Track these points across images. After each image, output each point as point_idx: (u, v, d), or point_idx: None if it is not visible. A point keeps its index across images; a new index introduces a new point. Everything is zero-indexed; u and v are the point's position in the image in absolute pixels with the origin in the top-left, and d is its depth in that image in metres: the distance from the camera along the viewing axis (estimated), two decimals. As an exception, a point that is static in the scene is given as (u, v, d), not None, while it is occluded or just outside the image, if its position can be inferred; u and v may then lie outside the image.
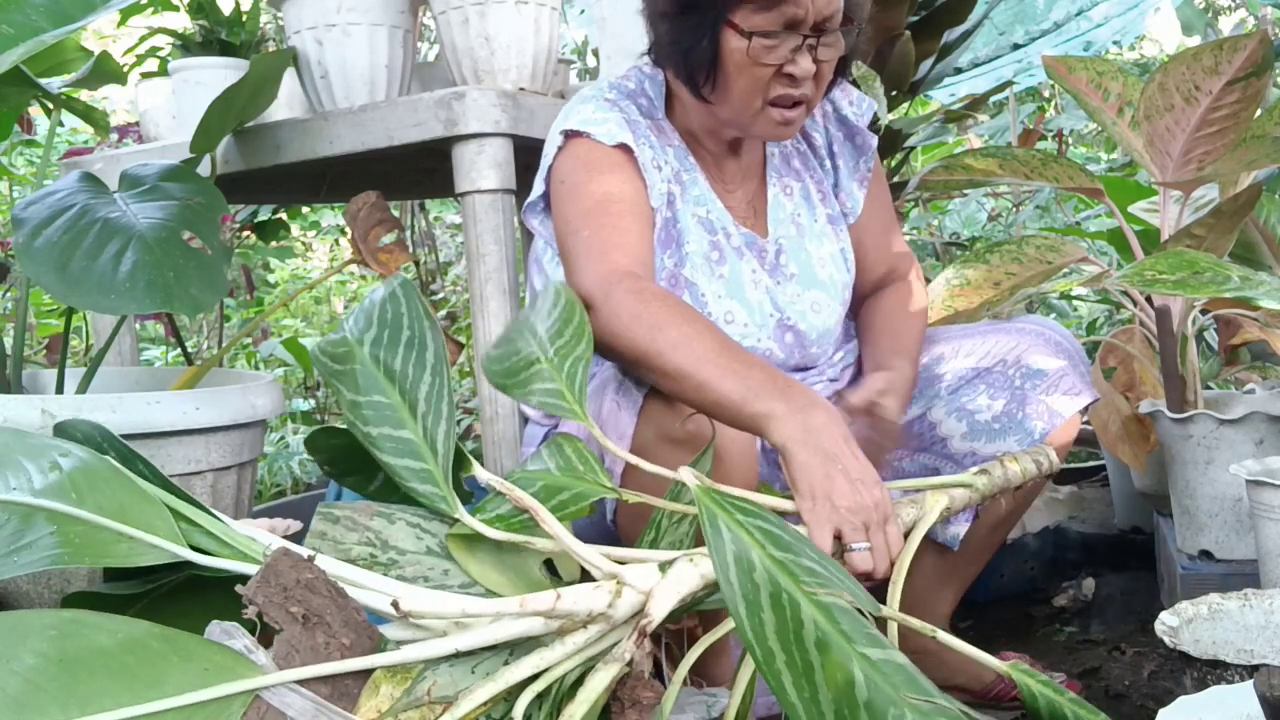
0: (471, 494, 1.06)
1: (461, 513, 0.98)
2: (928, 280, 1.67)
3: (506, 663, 0.88)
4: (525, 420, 1.54)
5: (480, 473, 1.02)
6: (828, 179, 1.51)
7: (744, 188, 1.46)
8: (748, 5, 1.24)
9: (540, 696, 0.87)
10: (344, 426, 1.07)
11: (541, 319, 1.19)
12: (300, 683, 0.81)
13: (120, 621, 0.80)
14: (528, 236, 2.49)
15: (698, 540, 1.07)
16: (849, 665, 0.70)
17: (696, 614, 1.02)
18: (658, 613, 0.89)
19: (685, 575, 0.92)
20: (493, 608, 0.88)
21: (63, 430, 1.06)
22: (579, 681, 0.88)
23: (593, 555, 0.92)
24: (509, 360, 1.17)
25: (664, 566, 0.92)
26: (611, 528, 1.30)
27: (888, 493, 1.07)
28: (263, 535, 0.95)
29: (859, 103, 1.52)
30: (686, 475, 0.96)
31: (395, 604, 0.86)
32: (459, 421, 3.29)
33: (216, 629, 0.82)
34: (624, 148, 1.33)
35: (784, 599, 0.74)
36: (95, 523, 0.88)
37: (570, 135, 1.34)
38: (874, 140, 1.52)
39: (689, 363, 1.13)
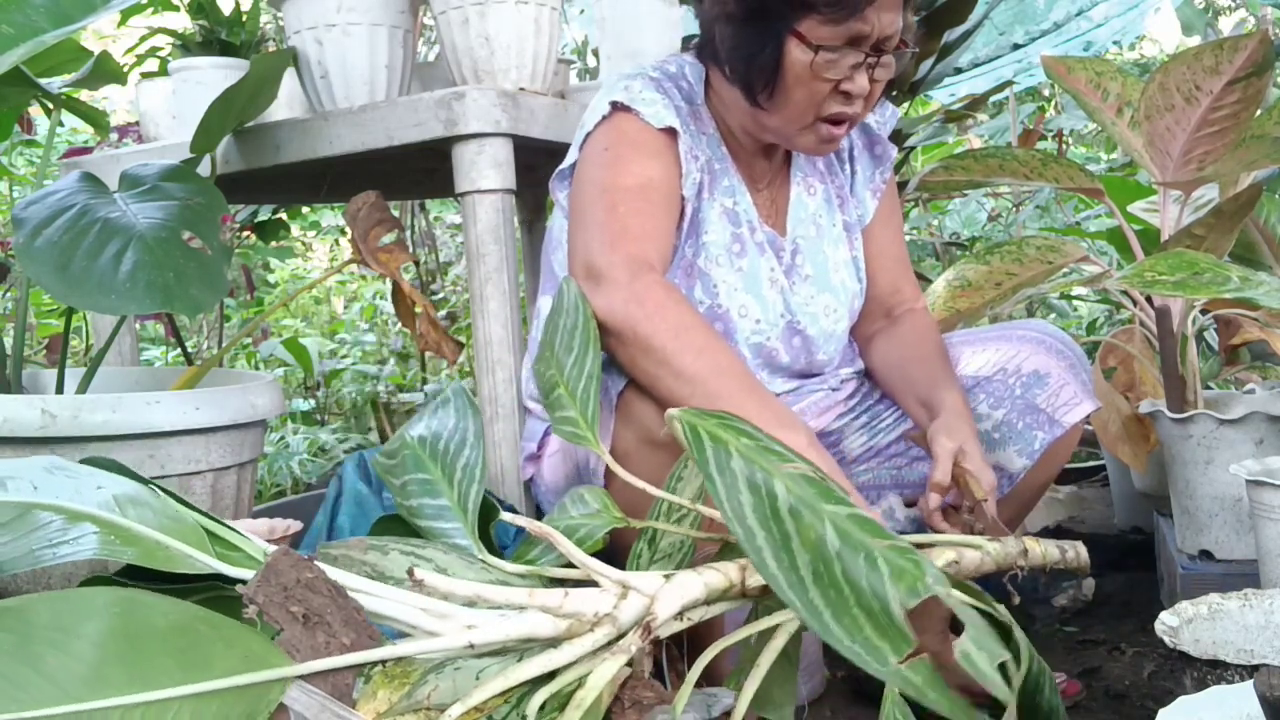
0: (502, 549, 1.17)
1: (486, 555, 1.04)
2: (928, 280, 1.67)
3: (520, 656, 0.88)
4: (527, 413, 1.54)
5: (506, 517, 1.06)
6: (846, 184, 1.52)
7: (770, 188, 1.46)
8: (815, 17, 1.24)
9: (545, 704, 0.87)
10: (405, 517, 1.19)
11: (559, 333, 1.23)
12: (309, 676, 0.82)
13: (170, 603, 0.84)
14: (527, 236, 2.50)
15: (695, 552, 1.08)
16: (819, 525, 0.75)
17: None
18: (663, 613, 0.90)
19: (689, 582, 0.93)
20: (503, 595, 0.89)
21: (90, 463, 1.07)
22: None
23: (600, 566, 0.93)
24: (543, 381, 1.22)
25: (669, 576, 0.94)
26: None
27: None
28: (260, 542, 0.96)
29: (881, 110, 1.52)
30: (671, 411, 0.96)
31: (410, 572, 0.86)
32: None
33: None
34: (670, 132, 1.33)
35: (758, 478, 0.80)
36: (136, 531, 0.91)
37: (618, 107, 1.34)
38: (893, 151, 1.52)
39: (708, 370, 1.13)
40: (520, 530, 1.02)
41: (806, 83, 1.28)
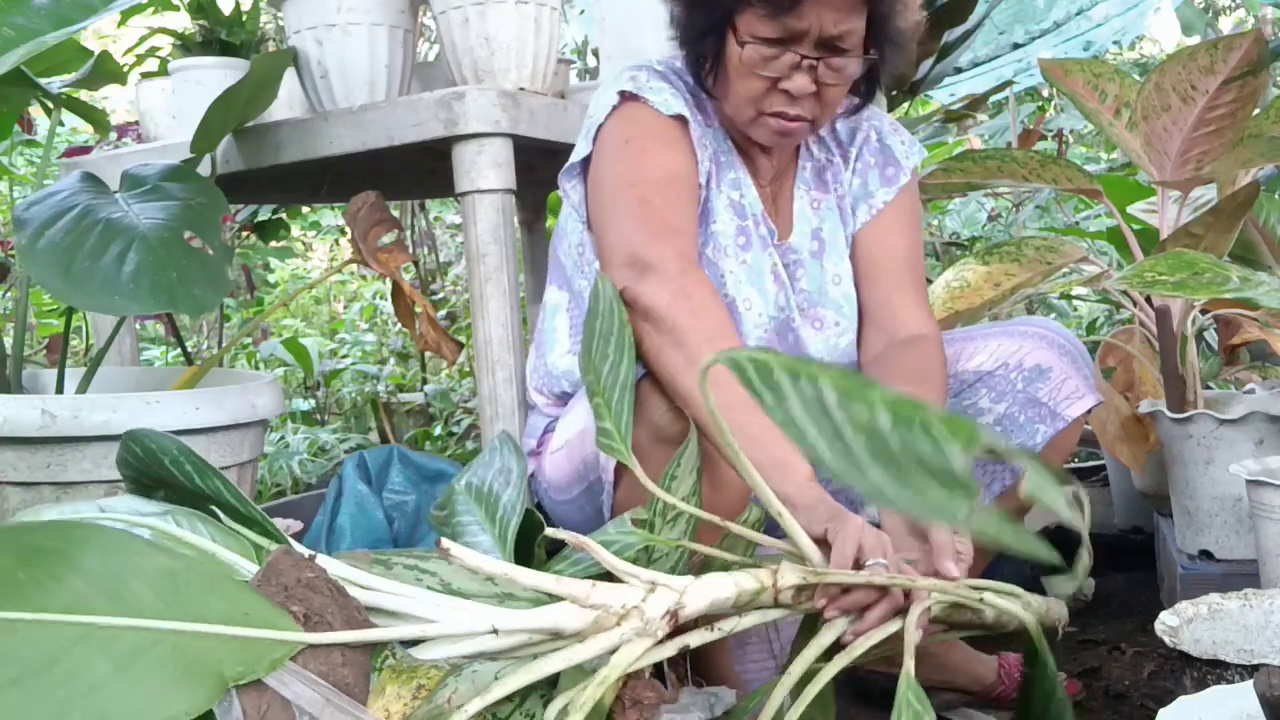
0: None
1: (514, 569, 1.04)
2: (927, 281, 1.66)
3: (535, 656, 0.87)
4: (531, 408, 1.55)
5: (550, 532, 1.06)
6: (848, 196, 1.51)
7: (772, 185, 1.46)
8: (751, 12, 1.25)
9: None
10: None
11: (596, 338, 1.24)
12: (310, 659, 0.81)
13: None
14: (528, 236, 2.50)
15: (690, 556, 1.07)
16: (869, 411, 0.72)
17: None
18: (691, 606, 0.89)
19: (720, 581, 0.92)
20: (530, 579, 0.88)
21: (131, 436, 1.06)
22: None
23: (630, 567, 0.92)
24: (586, 384, 1.24)
25: (698, 575, 0.93)
26: None
27: None
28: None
29: (910, 145, 1.50)
30: (717, 354, 0.94)
31: (438, 542, 0.86)
32: (459, 421, 3.30)
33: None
34: (680, 119, 1.34)
35: (803, 383, 0.77)
36: (188, 539, 0.93)
37: (626, 97, 1.34)
38: (905, 179, 1.48)
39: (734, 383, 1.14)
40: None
41: (743, 76, 1.29)
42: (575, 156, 1.40)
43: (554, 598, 0.89)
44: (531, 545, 1.14)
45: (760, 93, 1.30)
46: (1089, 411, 1.42)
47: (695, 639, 0.92)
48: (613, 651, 0.87)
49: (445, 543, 0.85)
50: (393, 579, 0.93)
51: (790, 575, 0.95)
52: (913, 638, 0.92)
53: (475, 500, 1.20)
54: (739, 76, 1.29)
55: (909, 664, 0.89)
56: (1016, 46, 4.33)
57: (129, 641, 0.75)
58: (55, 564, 0.78)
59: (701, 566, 1.06)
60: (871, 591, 0.96)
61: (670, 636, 0.90)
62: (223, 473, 1.55)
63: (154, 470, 1.03)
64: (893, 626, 0.96)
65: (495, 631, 0.85)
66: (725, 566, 1.03)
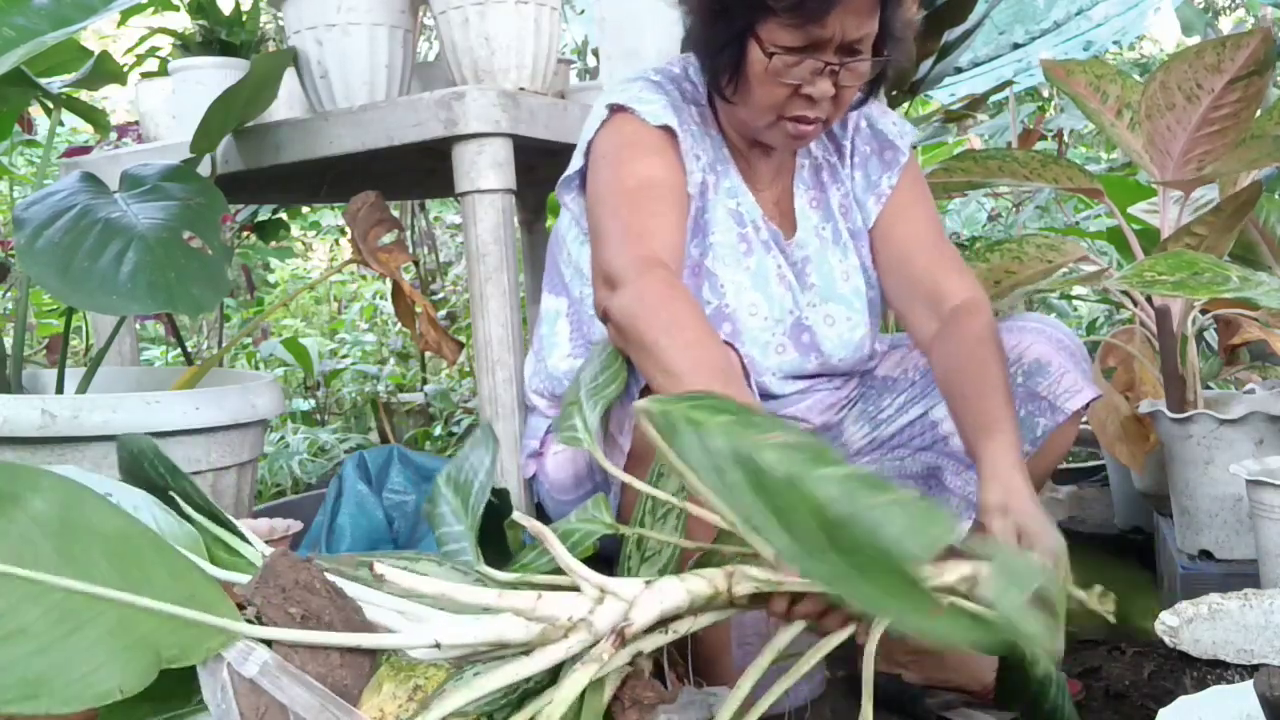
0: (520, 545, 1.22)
1: (481, 565, 1.04)
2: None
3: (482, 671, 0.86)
4: (531, 409, 1.55)
5: (516, 517, 1.06)
6: (851, 192, 1.51)
7: (772, 189, 1.47)
8: (774, 21, 1.25)
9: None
10: None
11: (591, 368, 1.27)
12: (309, 660, 0.81)
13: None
14: (528, 236, 2.50)
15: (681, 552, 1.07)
16: (817, 492, 0.70)
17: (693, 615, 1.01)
18: (639, 619, 0.87)
19: (671, 589, 0.90)
20: (469, 595, 0.86)
21: (119, 442, 1.08)
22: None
23: (583, 570, 0.90)
24: (564, 410, 1.25)
25: (650, 582, 0.91)
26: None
27: None
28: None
29: (900, 124, 1.52)
30: (641, 404, 0.92)
31: (371, 566, 0.84)
32: (459, 421, 3.30)
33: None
34: (668, 130, 1.34)
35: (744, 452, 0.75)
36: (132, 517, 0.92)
37: (616, 110, 1.35)
38: (904, 158, 1.49)
39: (690, 366, 1.13)
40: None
41: (766, 84, 1.29)
42: (571, 169, 1.41)
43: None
44: (500, 526, 1.15)
45: (782, 99, 1.30)
46: (1088, 405, 1.42)
47: (648, 643, 0.91)
48: (558, 666, 0.85)
49: (379, 567, 0.83)
50: (372, 584, 0.92)
51: (745, 582, 0.92)
52: (870, 666, 0.88)
53: (454, 491, 1.21)
54: (761, 84, 1.30)
55: (867, 708, 0.85)
56: (1016, 46, 4.33)
57: (78, 606, 0.72)
58: (6, 505, 0.75)
59: (695, 562, 1.06)
60: (823, 600, 0.92)
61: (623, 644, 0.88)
62: (223, 472, 1.56)
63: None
64: (845, 632, 0.92)
65: (437, 645, 0.84)
66: (711, 560, 1.02)
